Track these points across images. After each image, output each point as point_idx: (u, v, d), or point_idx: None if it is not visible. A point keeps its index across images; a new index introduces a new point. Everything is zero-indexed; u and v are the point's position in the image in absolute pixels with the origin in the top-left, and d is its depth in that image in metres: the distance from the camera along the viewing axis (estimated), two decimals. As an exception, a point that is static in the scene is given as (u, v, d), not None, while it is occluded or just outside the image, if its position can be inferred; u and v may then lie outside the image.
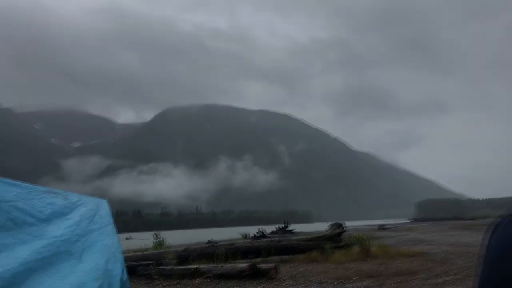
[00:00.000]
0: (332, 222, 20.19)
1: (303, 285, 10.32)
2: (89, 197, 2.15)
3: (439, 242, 22.93)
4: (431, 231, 35.53)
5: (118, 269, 1.83)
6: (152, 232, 25.77)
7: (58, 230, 1.56)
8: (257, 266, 12.23)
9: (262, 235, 23.35)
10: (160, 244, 22.28)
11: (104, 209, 2.04)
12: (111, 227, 2.03)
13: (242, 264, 13.06)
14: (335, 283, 10.24)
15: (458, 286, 9.44)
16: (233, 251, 15.73)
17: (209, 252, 15.65)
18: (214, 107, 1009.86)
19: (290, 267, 13.93)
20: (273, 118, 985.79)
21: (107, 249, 1.71)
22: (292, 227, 31.54)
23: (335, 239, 17.06)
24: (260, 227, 26.53)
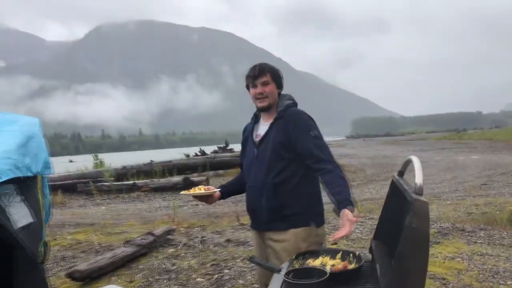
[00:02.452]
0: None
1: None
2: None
3: (362, 155, 25.49)
4: (360, 147, 38.57)
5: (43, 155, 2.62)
6: (91, 154, 25.99)
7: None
8: (191, 179, 13.40)
9: (202, 154, 24.51)
10: (100, 164, 22.78)
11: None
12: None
13: (177, 178, 14.19)
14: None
15: (356, 189, 11.23)
16: (170, 168, 16.74)
17: (147, 170, 16.54)
18: (152, 23, 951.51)
19: (223, 180, 15.28)
20: (216, 36, 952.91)
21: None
22: (233, 146, 32.76)
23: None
24: (201, 147, 27.52)
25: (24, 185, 2.36)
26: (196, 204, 10.49)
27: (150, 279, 4.43)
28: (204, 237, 6.18)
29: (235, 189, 2.71)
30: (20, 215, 2.27)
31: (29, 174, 2.32)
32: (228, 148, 33.07)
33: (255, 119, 2.61)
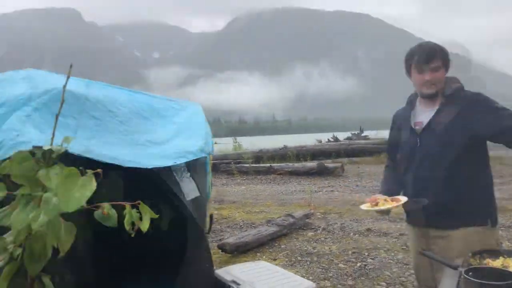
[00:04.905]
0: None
1: (366, 182, 11.33)
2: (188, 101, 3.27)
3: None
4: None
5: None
6: (231, 138, 27.82)
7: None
8: (325, 164, 13.39)
9: (335, 140, 24.34)
10: (238, 147, 24.29)
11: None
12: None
13: (311, 163, 14.32)
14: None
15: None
16: (304, 153, 17.01)
17: (282, 154, 17.09)
18: (287, 10, 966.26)
19: (358, 167, 14.91)
20: (351, 19, 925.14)
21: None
22: (368, 133, 31.67)
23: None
24: (334, 133, 27.32)
25: (192, 163, 2.62)
26: (332, 191, 10.45)
27: (293, 259, 4.57)
28: (343, 223, 6.13)
29: (398, 188, 2.38)
30: (189, 189, 2.53)
31: (205, 155, 2.59)
32: (363, 135, 32.05)
33: (411, 105, 2.38)
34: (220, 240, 5.22)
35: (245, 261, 4.45)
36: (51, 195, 0.97)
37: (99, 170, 1.04)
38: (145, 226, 1.06)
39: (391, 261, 4.29)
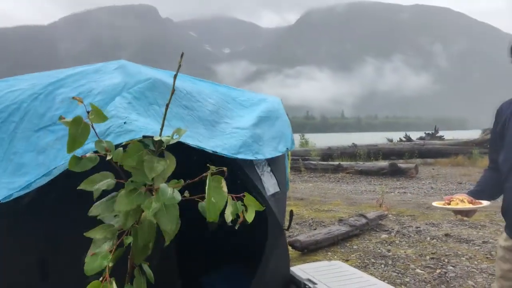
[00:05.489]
0: (486, 128, 18.92)
1: (441, 184, 10.72)
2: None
3: None
4: None
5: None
6: (298, 134, 27.73)
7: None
8: (398, 165, 12.85)
9: (408, 139, 23.29)
10: (305, 143, 24.14)
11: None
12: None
13: (383, 163, 13.83)
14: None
15: None
16: (375, 152, 16.46)
17: (352, 152, 16.68)
18: (362, 4, 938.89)
19: (433, 169, 14.17)
20: (429, 12, 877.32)
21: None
22: (443, 133, 30.02)
23: (486, 145, 16.31)
24: (406, 132, 26.19)
25: (273, 158, 2.62)
26: (404, 192, 10.02)
27: (366, 261, 4.44)
28: (418, 227, 5.84)
29: (492, 193, 2.08)
30: (270, 183, 2.54)
31: (278, 154, 2.57)
32: (438, 135, 30.37)
33: None
34: (290, 237, 5.20)
35: (316, 259, 4.40)
36: (166, 185, 1.01)
37: (224, 168, 1.06)
38: (250, 217, 1.07)
39: (474, 270, 4.01)
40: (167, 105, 1.12)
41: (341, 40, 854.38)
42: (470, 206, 1.89)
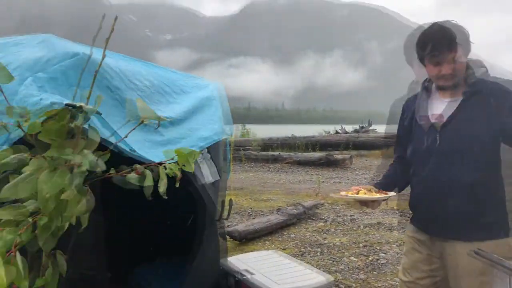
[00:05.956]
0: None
1: (374, 175, 11.23)
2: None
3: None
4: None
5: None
6: (240, 124, 27.71)
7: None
8: (333, 156, 13.28)
9: (343, 132, 24.18)
10: (246, 133, 24.23)
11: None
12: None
13: (319, 153, 14.23)
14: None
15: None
16: (313, 143, 16.90)
17: (290, 143, 17.00)
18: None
19: (366, 160, 14.80)
20: (365, 11, 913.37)
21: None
22: (376, 127, 31.39)
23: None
24: (342, 125, 27.15)
25: (213, 146, 2.53)
26: (339, 182, 10.37)
27: (303, 249, 4.51)
28: (352, 216, 6.05)
29: (399, 185, 2.07)
30: (209, 171, 2.45)
31: (214, 141, 2.47)
32: (371, 128, 31.79)
33: (426, 93, 1.97)
34: (229, 226, 5.16)
35: (254, 249, 4.40)
36: (91, 152, 0.90)
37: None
38: (161, 188, 1.03)
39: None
40: (94, 76, 1.00)
41: (283, 32, 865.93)
42: (377, 195, 1.86)
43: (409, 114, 2.00)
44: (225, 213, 2.53)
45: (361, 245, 4.63)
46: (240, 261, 2.83)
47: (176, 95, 2.43)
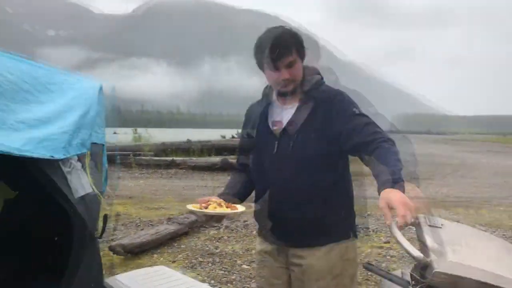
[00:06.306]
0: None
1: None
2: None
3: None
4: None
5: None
6: (131, 128, 26.47)
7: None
8: (229, 160, 13.30)
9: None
10: (138, 138, 23.16)
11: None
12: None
13: (215, 158, 14.15)
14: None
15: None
16: (208, 148, 16.74)
17: (186, 148, 16.63)
18: (200, 2, 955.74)
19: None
20: (261, 18, 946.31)
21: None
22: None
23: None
24: (238, 130, 27.52)
25: (85, 154, 2.21)
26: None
27: (194, 260, 4.30)
28: (246, 221, 6.02)
29: (246, 193, 1.99)
30: (79, 183, 2.12)
31: (84, 151, 2.15)
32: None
33: (267, 100, 1.95)
34: (113, 240, 4.72)
35: (140, 264, 4.07)
36: None
37: None
38: None
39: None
40: None
41: (180, 35, 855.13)
42: (229, 211, 1.77)
43: (251, 121, 1.97)
44: (99, 230, 2.22)
45: (253, 251, 4.58)
46: (119, 282, 2.53)
47: (39, 93, 2.06)
